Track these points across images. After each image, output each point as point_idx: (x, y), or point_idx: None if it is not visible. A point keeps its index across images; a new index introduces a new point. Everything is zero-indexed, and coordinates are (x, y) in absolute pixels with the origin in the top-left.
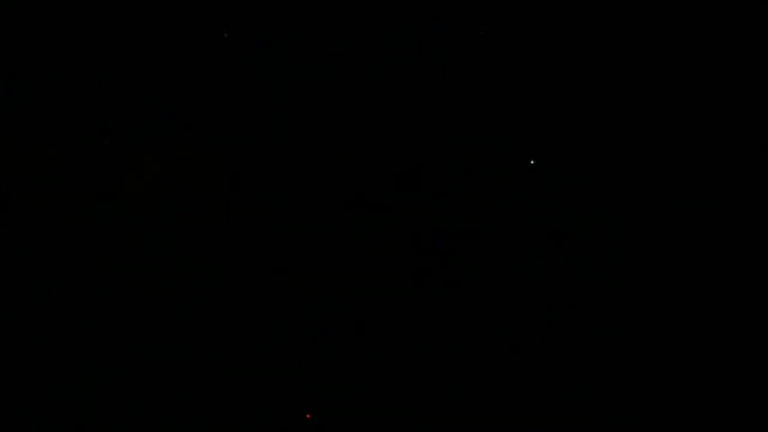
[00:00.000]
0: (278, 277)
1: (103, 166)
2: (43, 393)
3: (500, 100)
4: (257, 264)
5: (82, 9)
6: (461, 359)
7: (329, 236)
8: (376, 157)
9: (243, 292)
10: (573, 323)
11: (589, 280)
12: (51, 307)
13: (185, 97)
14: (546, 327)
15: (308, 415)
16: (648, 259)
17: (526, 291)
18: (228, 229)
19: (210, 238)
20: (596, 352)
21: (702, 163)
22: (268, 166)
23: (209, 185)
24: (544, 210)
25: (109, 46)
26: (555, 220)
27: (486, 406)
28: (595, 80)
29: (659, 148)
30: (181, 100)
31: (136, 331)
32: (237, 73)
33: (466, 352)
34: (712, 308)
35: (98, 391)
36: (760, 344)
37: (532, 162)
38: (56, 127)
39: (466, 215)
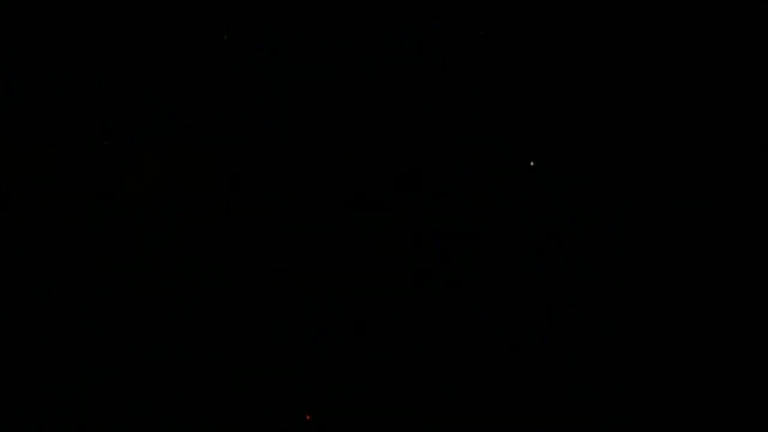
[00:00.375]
0: (278, 277)
1: (103, 166)
2: (43, 393)
3: (500, 100)
4: (257, 264)
5: (82, 9)
6: (461, 359)
7: (329, 236)
8: (376, 157)
9: (243, 292)
10: (573, 323)
11: (589, 280)
12: (51, 307)
13: (185, 97)
14: (546, 327)
15: (308, 416)
16: (648, 259)
17: (526, 291)
18: (228, 229)
19: (210, 238)
20: (596, 352)
21: (702, 163)
22: (268, 166)
23: (209, 185)
24: (544, 210)
25: (109, 46)
26: (555, 220)
27: (486, 406)
28: (594, 80)
29: (659, 148)
30: (181, 100)
31: (136, 331)
32: (237, 73)
33: (466, 352)
34: (712, 308)
35: (98, 391)
36: (760, 344)
37: (532, 164)
38: (56, 127)
39: (466, 215)
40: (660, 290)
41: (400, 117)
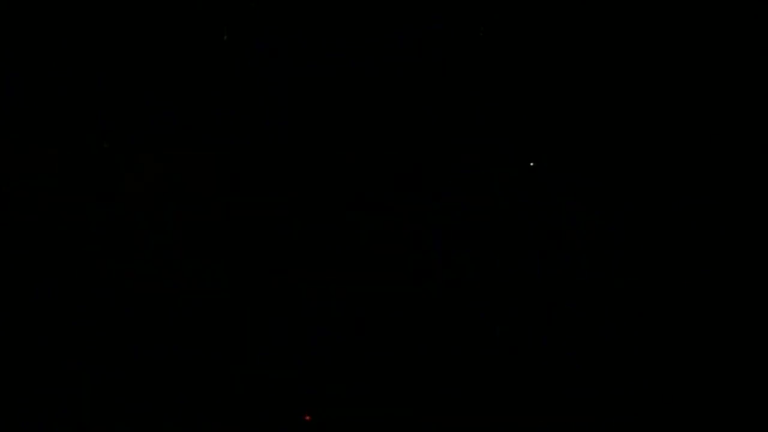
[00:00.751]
0: (278, 277)
1: (103, 167)
2: (43, 393)
3: (500, 100)
4: (257, 264)
5: (82, 9)
6: (461, 359)
7: (329, 236)
8: (376, 157)
9: (243, 292)
10: (573, 323)
11: (589, 280)
12: (51, 307)
13: (185, 97)
14: (546, 327)
15: (307, 417)
16: (648, 259)
17: (526, 291)
18: (228, 229)
19: (210, 238)
20: (596, 352)
21: (702, 163)
22: (268, 166)
23: (209, 185)
24: (544, 210)
25: (109, 46)
26: (555, 220)
27: (486, 406)
28: (594, 80)
29: (659, 148)
30: (181, 100)
31: (136, 331)
32: (237, 73)
33: (466, 352)
34: (712, 308)
35: (98, 391)
36: (760, 344)
37: (531, 164)
38: (56, 127)
39: (466, 215)
40: (660, 290)
41: (400, 117)
